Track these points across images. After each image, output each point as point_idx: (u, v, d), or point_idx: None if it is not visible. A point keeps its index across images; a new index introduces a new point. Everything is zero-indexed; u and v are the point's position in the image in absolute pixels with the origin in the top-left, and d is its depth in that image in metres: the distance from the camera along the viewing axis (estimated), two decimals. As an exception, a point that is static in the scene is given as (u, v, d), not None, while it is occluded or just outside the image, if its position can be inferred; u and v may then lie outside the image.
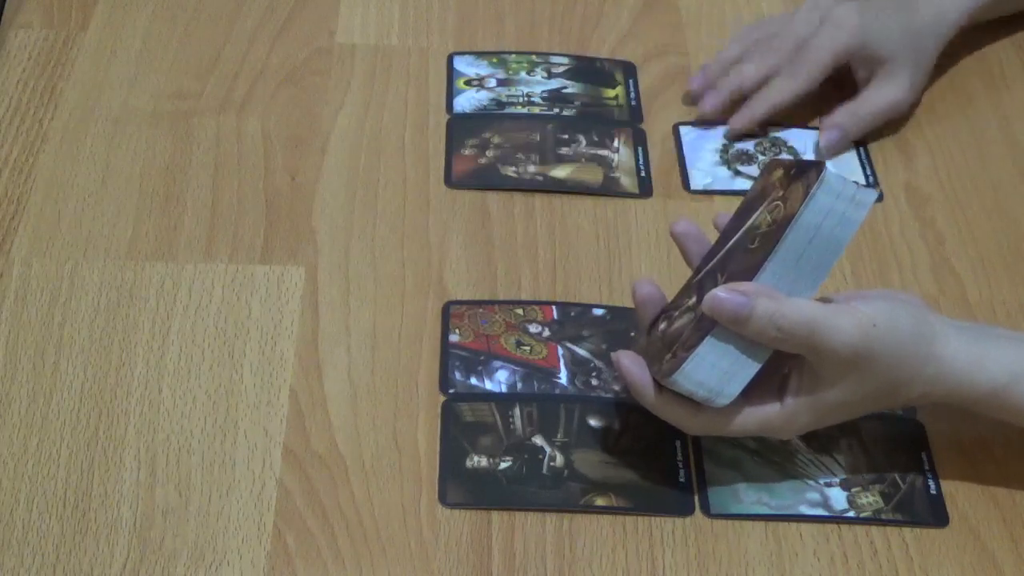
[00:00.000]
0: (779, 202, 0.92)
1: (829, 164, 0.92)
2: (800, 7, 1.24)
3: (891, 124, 1.24)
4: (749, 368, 0.91)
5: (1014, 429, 1.00)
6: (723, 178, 1.19)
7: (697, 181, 1.18)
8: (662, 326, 0.95)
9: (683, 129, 1.23)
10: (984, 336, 0.95)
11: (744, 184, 1.17)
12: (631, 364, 0.93)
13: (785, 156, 1.20)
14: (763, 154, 1.21)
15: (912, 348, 0.92)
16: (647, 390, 0.93)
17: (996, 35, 1.33)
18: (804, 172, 0.91)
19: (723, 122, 1.23)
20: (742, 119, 1.21)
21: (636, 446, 0.99)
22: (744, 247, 0.92)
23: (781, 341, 0.90)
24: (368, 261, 1.10)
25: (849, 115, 1.21)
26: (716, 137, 1.22)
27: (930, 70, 1.24)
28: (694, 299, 0.93)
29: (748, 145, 1.21)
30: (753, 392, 0.92)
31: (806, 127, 1.23)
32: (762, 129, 1.22)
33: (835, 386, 0.92)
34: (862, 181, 1.19)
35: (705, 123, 1.23)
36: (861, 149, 1.22)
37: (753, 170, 1.19)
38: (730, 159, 1.20)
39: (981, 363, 0.93)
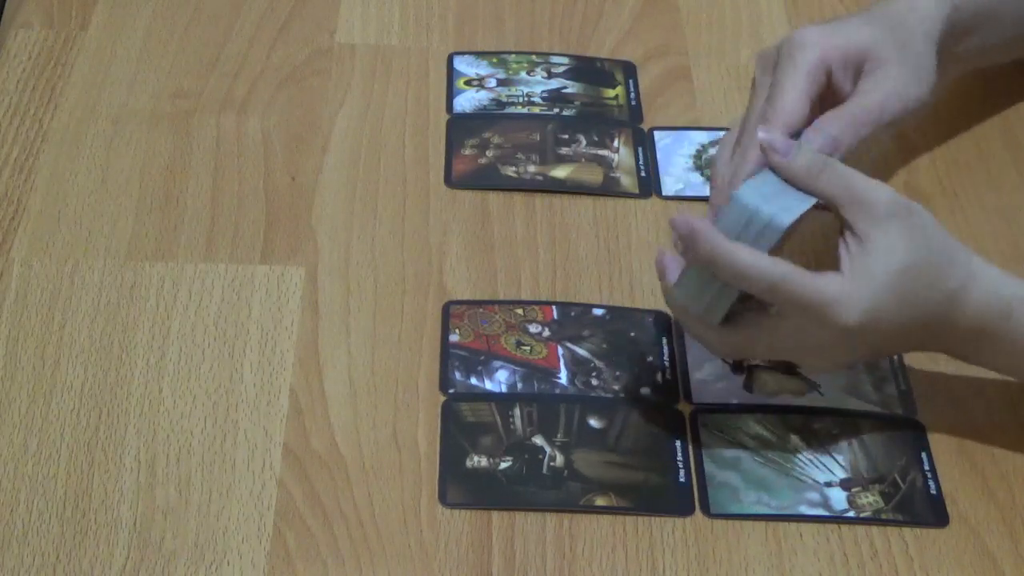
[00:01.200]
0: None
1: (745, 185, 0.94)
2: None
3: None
4: (801, 202, 0.93)
5: (1014, 429, 1.00)
6: (695, 184, 1.18)
7: (669, 187, 1.18)
8: None
9: (657, 134, 1.23)
10: None
11: None
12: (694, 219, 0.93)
13: None
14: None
15: (945, 233, 0.94)
16: (708, 229, 0.92)
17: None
18: None
19: (695, 127, 1.22)
20: None
21: (636, 446, 0.99)
22: None
23: (824, 177, 0.93)
24: (368, 261, 1.10)
25: (836, 120, 1.02)
26: (689, 142, 1.22)
27: (929, 68, 1.10)
28: None
29: None
30: (815, 273, 0.92)
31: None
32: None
33: (882, 244, 0.91)
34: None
35: (678, 128, 1.23)
36: None
37: None
38: (703, 165, 1.20)
39: (1006, 273, 0.95)
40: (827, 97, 1.03)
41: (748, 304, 0.94)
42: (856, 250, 0.92)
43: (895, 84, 1.05)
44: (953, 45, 1.12)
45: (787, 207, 0.92)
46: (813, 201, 0.93)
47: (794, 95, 1.01)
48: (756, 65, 1.05)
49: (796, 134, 0.99)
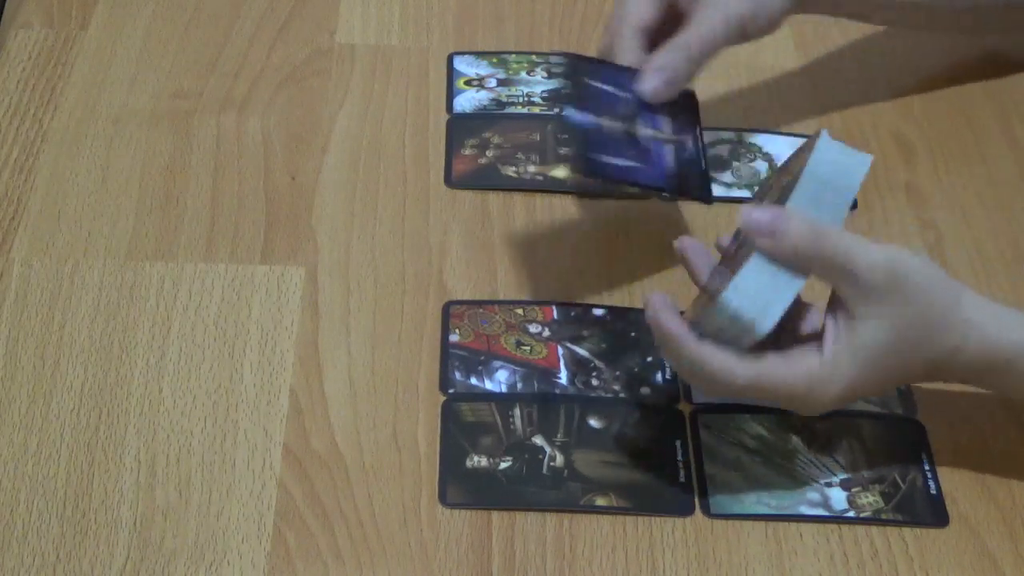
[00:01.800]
0: (783, 179, 0.95)
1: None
2: None
3: (891, 124, 1.24)
4: (788, 291, 0.89)
5: (1014, 429, 1.00)
6: None
7: None
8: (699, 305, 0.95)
9: None
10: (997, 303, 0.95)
11: (717, 190, 1.17)
12: (665, 310, 0.91)
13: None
14: (737, 160, 1.20)
15: (943, 286, 0.91)
16: (683, 336, 0.90)
17: (995, 34, 1.33)
18: (801, 149, 0.94)
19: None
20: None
21: (636, 446, 0.99)
22: None
23: (816, 256, 0.88)
24: (368, 261, 1.10)
25: (675, 51, 1.06)
26: None
27: None
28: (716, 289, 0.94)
29: (723, 151, 1.21)
30: (793, 349, 0.91)
31: (781, 133, 1.23)
32: (738, 135, 1.22)
33: (870, 321, 0.89)
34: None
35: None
36: None
37: (727, 176, 1.18)
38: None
39: (1007, 316, 0.93)
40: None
41: (790, 326, 0.93)
42: (844, 326, 0.90)
43: (732, 7, 1.07)
44: None
45: (772, 302, 0.89)
46: (799, 287, 0.90)
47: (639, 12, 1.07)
48: None
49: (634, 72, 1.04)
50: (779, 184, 0.95)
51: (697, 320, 0.91)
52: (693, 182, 1.07)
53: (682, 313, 0.93)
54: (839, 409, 0.94)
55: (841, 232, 0.89)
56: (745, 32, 1.09)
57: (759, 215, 0.89)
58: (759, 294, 0.89)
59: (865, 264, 0.89)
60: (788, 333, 0.92)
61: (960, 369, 0.93)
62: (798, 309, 0.93)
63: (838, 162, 0.91)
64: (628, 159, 1.04)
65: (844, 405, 0.93)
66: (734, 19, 1.07)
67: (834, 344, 0.90)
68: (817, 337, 0.91)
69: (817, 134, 0.92)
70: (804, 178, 0.90)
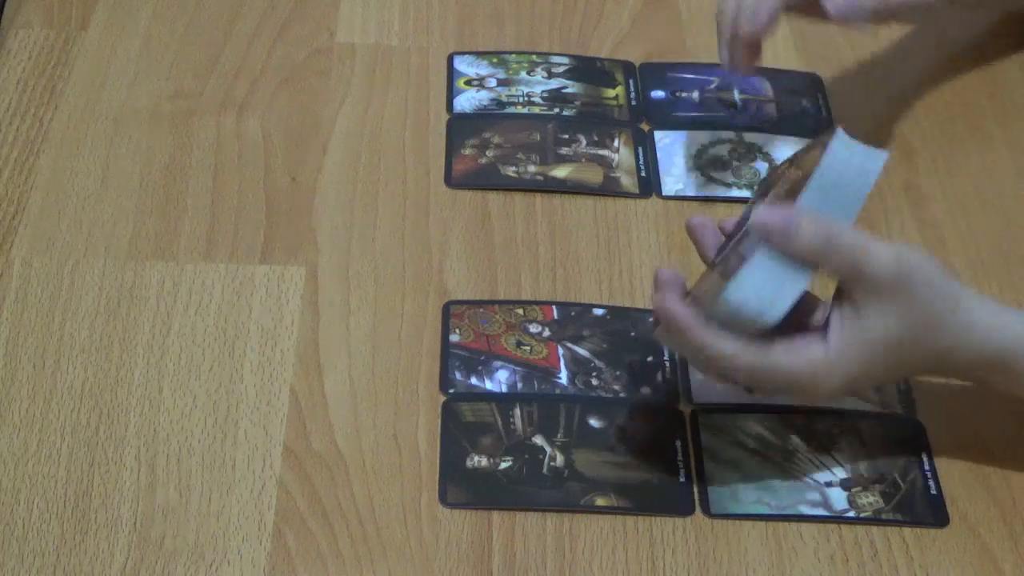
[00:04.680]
0: (793, 173, 0.95)
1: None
2: None
3: (891, 124, 1.24)
4: (796, 285, 0.90)
5: (1014, 429, 1.00)
6: (696, 183, 1.18)
7: (669, 187, 1.18)
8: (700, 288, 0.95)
9: (657, 134, 1.23)
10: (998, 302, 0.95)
11: (717, 190, 1.17)
12: (673, 292, 0.92)
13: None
14: (737, 160, 1.20)
15: (946, 285, 0.92)
16: (688, 321, 0.90)
17: (996, 34, 1.33)
18: (813, 144, 0.94)
19: (698, 127, 1.23)
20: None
21: (636, 446, 0.99)
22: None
23: (827, 256, 0.89)
24: (368, 261, 1.10)
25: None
26: (690, 142, 1.22)
27: None
28: (718, 269, 0.94)
29: (722, 150, 1.21)
30: (797, 340, 0.91)
31: (781, 133, 1.23)
32: (738, 134, 1.22)
33: (875, 316, 0.90)
34: None
35: (680, 128, 1.23)
36: None
37: (727, 175, 1.18)
38: (703, 164, 1.20)
39: (1007, 315, 0.93)
40: None
41: (799, 318, 0.93)
42: (849, 319, 0.91)
43: None
44: None
45: (778, 296, 0.89)
46: (808, 281, 0.90)
47: None
48: None
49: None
50: (790, 176, 0.95)
51: (702, 298, 0.91)
52: None
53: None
54: (839, 398, 0.95)
55: (851, 231, 0.90)
56: None
57: (771, 217, 0.89)
58: (765, 288, 0.89)
59: (873, 262, 0.90)
60: (794, 324, 0.92)
61: (961, 365, 0.94)
62: (807, 301, 0.94)
63: (852, 161, 0.91)
64: None
65: (845, 395, 0.94)
66: None
67: (839, 336, 0.91)
68: (822, 328, 0.92)
69: (832, 130, 0.92)
70: (817, 175, 0.90)
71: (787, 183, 0.95)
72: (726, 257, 0.95)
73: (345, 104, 1.23)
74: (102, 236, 1.11)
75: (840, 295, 0.92)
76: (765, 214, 0.90)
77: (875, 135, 1.23)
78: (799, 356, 0.91)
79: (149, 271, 1.08)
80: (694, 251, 0.99)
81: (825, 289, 0.93)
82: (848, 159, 0.91)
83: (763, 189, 1.00)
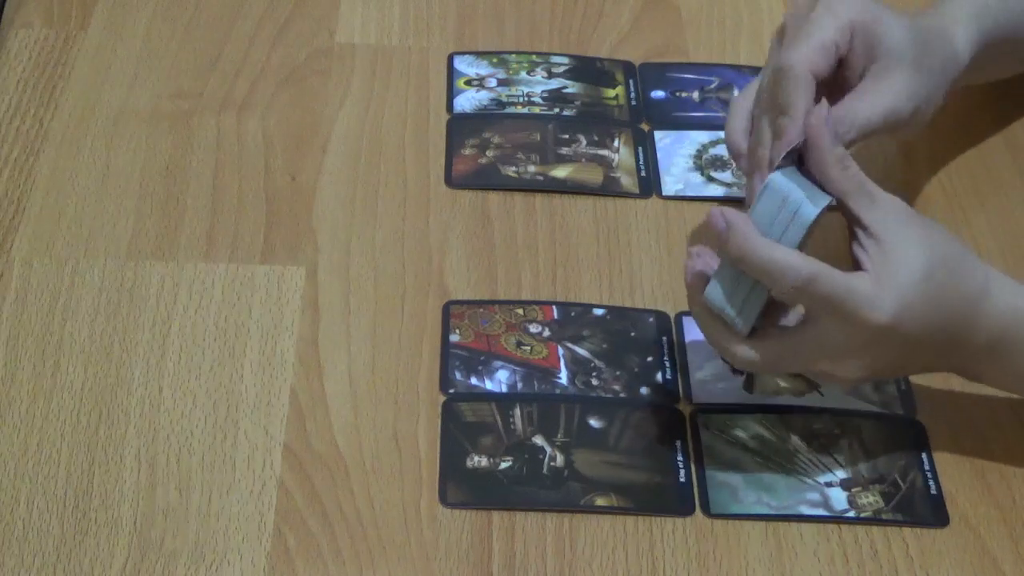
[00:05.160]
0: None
1: (777, 173, 0.93)
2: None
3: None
4: (757, 299, 0.91)
5: (1014, 429, 1.00)
6: (696, 184, 1.18)
7: (669, 187, 1.18)
8: None
9: (657, 134, 1.23)
10: None
11: (717, 190, 1.17)
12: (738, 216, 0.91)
13: None
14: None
15: (958, 243, 0.93)
16: (752, 229, 0.91)
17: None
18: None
19: (697, 127, 1.22)
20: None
21: (636, 446, 0.99)
22: None
23: (838, 184, 0.91)
24: (368, 261, 1.10)
25: (844, 110, 1.01)
26: (690, 142, 1.22)
27: (937, 93, 1.07)
28: None
29: (722, 150, 1.21)
30: (840, 273, 0.90)
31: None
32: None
33: (902, 243, 0.90)
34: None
35: (680, 128, 1.23)
36: None
37: (727, 176, 1.18)
38: (703, 165, 1.20)
39: (1020, 286, 0.93)
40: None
41: (772, 320, 0.94)
42: (874, 250, 0.90)
43: (908, 88, 1.03)
44: (977, 44, 1.11)
45: (813, 197, 0.91)
46: (832, 197, 0.91)
47: (822, 38, 1.00)
48: (787, 18, 1.04)
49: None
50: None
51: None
52: None
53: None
54: (879, 373, 0.95)
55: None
56: (912, 121, 1.05)
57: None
58: (800, 187, 0.91)
59: (886, 195, 0.91)
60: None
61: (983, 326, 0.92)
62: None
63: (789, 202, 0.91)
64: None
65: (890, 351, 0.92)
66: (909, 99, 1.03)
67: (874, 265, 0.90)
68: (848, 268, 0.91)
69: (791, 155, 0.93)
70: (760, 199, 0.92)
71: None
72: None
73: (345, 104, 1.23)
74: (102, 236, 1.11)
75: (857, 238, 0.91)
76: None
77: (874, 135, 1.22)
78: (847, 281, 0.89)
79: (149, 271, 1.08)
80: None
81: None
82: (780, 203, 0.91)
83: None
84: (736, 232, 0.90)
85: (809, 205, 0.91)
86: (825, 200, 0.91)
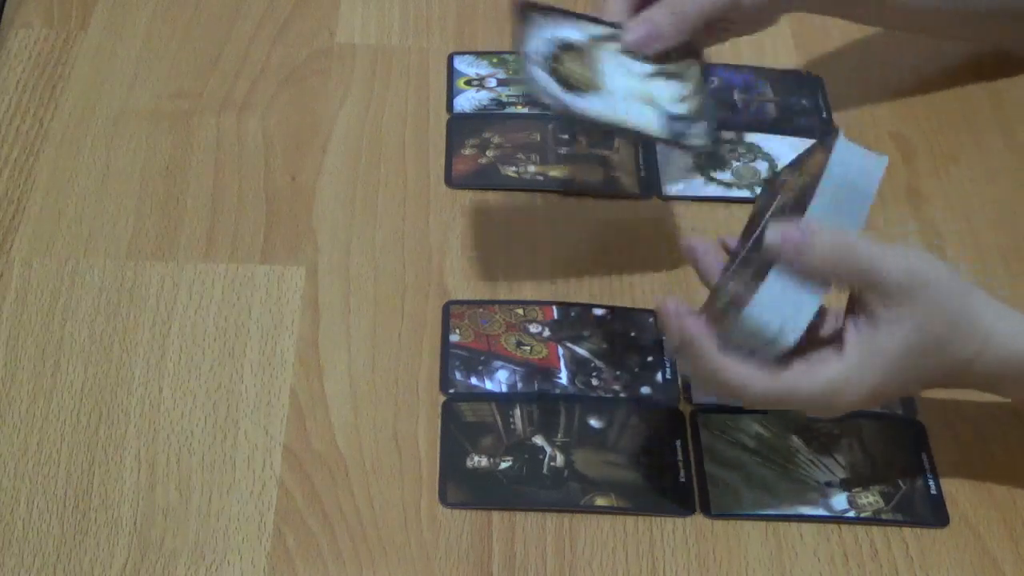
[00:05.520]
0: (796, 180, 0.94)
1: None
2: None
3: (891, 124, 1.24)
4: (812, 301, 0.88)
5: (1014, 429, 1.00)
6: (696, 184, 1.18)
7: (669, 187, 1.18)
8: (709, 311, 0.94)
9: None
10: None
11: (717, 190, 1.17)
12: (689, 316, 0.89)
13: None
14: (737, 160, 1.20)
15: (963, 293, 0.90)
16: (707, 344, 0.89)
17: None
18: (813, 149, 0.94)
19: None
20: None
21: (636, 446, 0.99)
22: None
23: (842, 272, 0.88)
24: (368, 261, 1.10)
25: (663, 7, 1.06)
26: None
27: None
28: (729, 287, 0.93)
29: (722, 150, 1.21)
30: (812, 355, 0.89)
31: (781, 133, 1.23)
32: (738, 134, 1.22)
33: (892, 325, 0.88)
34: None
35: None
36: None
37: (727, 176, 1.18)
38: (703, 164, 1.20)
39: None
40: None
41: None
42: (866, 330, 0.89)
43: None
44: None
45: (794, 315, 0.88)
46: (822, 296, 0.89)
47: None
48: None
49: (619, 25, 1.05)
50: (792, 184, 0.95)
51: (714, 319, 0.90)
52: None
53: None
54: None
55: (865, 241, 0.89)
56: (740, 6, 1.07)
57: (785, 235, 0.88)
58: (782, 307, 0.88)
59: (889, 271, 0.88)
60: (806, 337, 0.91)
61: (979, 374, 0.92)
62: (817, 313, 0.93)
63: (857, 164, 0.90)
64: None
65: (864, 408, 0.92)
66: None
67: (856, 349, 0.89)
68: (836, 341, 0.90)
69: (834, 134, 0.91)
70: (824, 182, 0.89)
71: (791, 191, 0.94)
72: (732, 275, 0.94)
73: (345, 104, 1.23)
74: (102, 236, 1.11)
75: (854, 307, 0.90)
76: (777, 233, 0.88)
77: (875, 135, 1.23)
78: (817, 376, 0.89)
79: (149, 271, 1.08)
80: (694, 252, 0.99)
81: (836, 300, 0.92)
82: (852, 163, 0.90)
83: (767, 199, 0.99)
84: (695, 347, 0.89)
85: (787, 335, 0.88)
86: (812, 308, 0.89)
